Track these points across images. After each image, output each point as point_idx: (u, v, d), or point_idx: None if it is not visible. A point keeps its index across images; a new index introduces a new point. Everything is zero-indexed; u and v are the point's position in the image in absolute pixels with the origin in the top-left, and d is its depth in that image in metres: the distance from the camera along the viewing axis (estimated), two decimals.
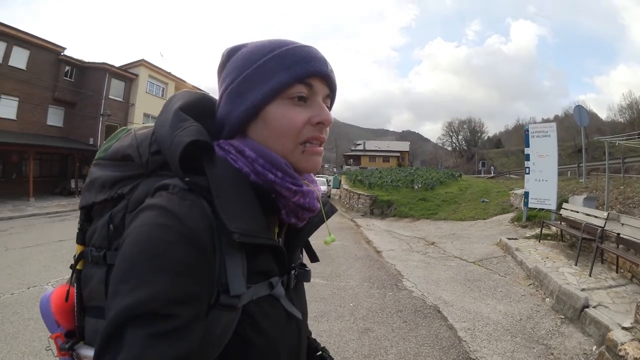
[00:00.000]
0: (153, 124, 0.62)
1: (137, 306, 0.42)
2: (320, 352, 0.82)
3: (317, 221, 0.68)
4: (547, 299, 4.57)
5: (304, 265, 0.72)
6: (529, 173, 8.79)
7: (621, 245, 6.50)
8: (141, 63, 22.80)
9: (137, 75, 22.33)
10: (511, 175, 28.71)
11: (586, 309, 3.80)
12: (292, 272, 0.65)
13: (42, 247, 7.10)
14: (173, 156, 0.53)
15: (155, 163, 0.57)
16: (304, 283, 0.72)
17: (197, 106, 0.62)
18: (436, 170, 28.46)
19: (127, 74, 21.80)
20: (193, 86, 28.28)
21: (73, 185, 19.08)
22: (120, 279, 0.44)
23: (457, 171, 28.23)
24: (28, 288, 4.66)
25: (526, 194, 8.85)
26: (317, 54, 0.61)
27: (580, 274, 5.39)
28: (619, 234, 6.65)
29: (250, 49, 0.61)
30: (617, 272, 5.40)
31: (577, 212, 6.88)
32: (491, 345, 3.34)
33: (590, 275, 5.99)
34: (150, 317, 0.42)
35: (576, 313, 3.88)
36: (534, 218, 8.87)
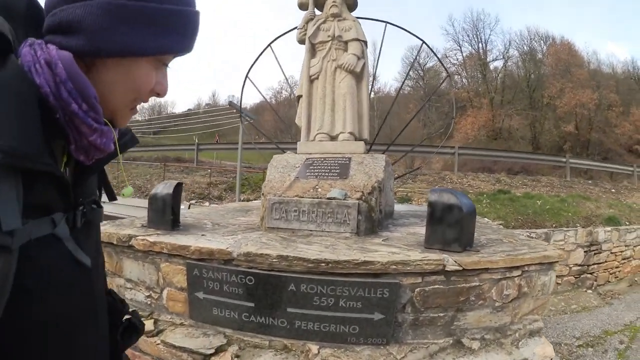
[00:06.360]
0: None
1: None
2: (129, 317, 0.67)
3: (111, 154, 0.58)
4: None
5: (96, 203, 0.60)
6: None
7: None
8: None
9: None
10: None
11: None
12: (81, 208, 0.54)
13: None
14: None
15: None
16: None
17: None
18: None
19: None
20: None
21: None
22: None
23: None
24: None
25: None
26: (197, 29, 0.57)
27: None
28: None
29: None
30: None
31: None
32: None
33: None
34: None
35: None
36: None
